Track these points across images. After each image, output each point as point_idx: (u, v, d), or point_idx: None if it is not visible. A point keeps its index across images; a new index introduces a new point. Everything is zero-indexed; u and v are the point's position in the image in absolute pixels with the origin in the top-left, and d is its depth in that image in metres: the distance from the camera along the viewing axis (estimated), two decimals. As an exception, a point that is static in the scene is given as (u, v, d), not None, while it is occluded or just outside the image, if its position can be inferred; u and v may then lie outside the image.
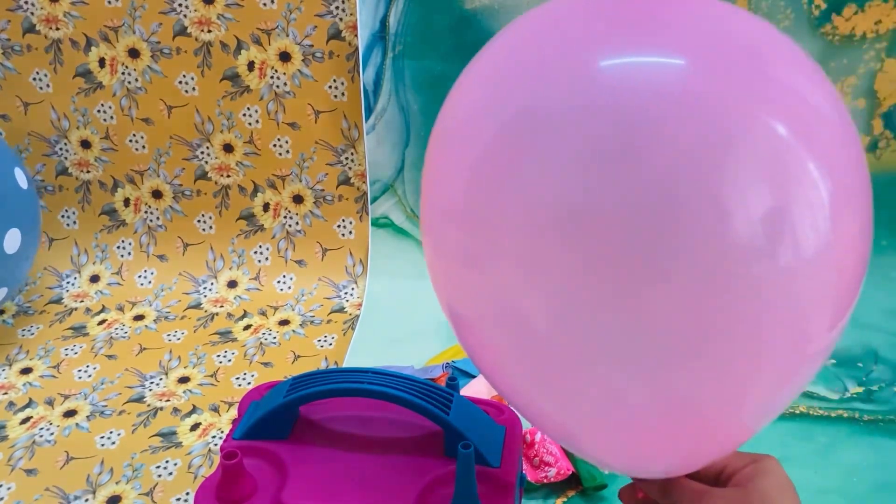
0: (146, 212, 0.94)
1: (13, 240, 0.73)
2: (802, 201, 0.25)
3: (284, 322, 0.85)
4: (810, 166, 0.25)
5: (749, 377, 0.28)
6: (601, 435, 0.33)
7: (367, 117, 0.86)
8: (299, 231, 0.93)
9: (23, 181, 0.76)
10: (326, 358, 0.79)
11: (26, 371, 0.77)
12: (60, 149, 0.91)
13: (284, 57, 0.86)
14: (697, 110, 0.25)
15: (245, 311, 0.88)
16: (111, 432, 0.68)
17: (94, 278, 0.92)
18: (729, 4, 0.29)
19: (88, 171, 0.93)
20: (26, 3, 0.85)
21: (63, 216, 0.94)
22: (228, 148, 0.91)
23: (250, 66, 0.87)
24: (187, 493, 0.61)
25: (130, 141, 0.91)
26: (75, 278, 0.92)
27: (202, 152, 0.91)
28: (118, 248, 0.94)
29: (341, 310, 0.87)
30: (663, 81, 0.26)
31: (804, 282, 0.26)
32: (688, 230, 0.25)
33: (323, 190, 0.92)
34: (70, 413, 0.71)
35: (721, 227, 0.25)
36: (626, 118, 0.26)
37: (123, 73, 0.88)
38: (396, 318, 0.82)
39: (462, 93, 0.33)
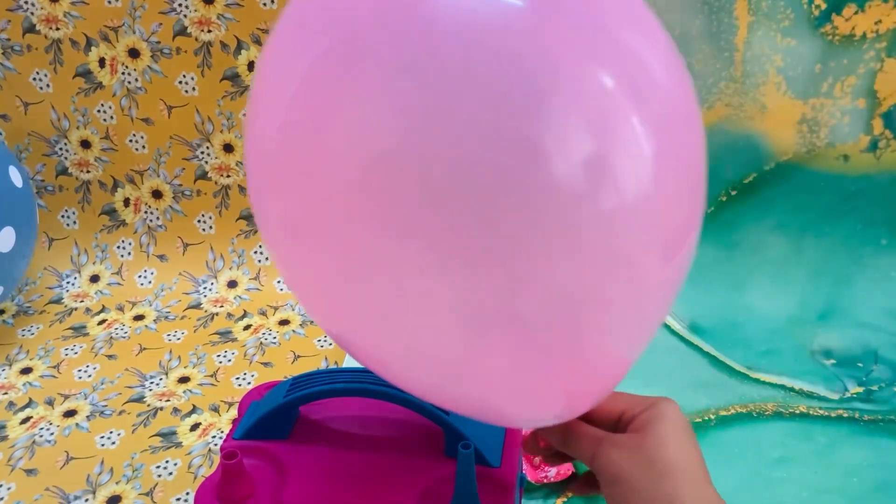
0: (146, 212, 0.94)
1: (7, 238, 0.73)
2: (623, 152, 0.26)
3: (284, 322, 0.85)
4: (634, 120, 0.26)
5: (593, 309, 0.29)
6: (477, 388, 0.32)
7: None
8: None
9: (17, 179, 0.76)
10: (326, 358, 0.79)
11: (26, 371, 0.77)
12: (60, 149, 0.91)
13: (284, 57, 0.86)
14: (524, 53, 0.25)
15: (245, 311, 0.88)
16: (111, 432, 0.68)
17: (94, 278, 0.92)
18: None
19: (88, 171, 0.93)
20: (26, 3, 0.85)
21: (63, 216, 0.94)
22: (228, 148, 0.91)
23: (250, 66, 0.87)
24: (187, 493, 0.61)
25: (130, 141, 0.91)
26: (75, 278, 0.92)
27: (202, 152, 0.91)
28: (118, 248, 0.94)
29: (341, 310, 0.87)
30: (492, 21, 0.26)
31: (627, 224, 0.27)
32: (508, 173, 0.25)
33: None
34: (70, 413, 0.71)
35: (541, 171, 0.25)
36: (445, 55, 0.25)
37: (123, 73, 0.88)
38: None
39: (280, 29, 0.31)
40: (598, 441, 0.35)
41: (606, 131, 0.26)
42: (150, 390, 0.74)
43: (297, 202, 0.30)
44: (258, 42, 0.86)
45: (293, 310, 0.87)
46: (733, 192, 0.85)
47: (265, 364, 0.78)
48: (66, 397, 0.73)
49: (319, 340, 0.82)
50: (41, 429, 0.69)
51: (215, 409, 0.71)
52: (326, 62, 0.28)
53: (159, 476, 0.63)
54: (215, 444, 0.66)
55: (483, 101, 0.25)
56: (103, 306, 0.88)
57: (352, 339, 0.34)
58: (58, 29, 0.86)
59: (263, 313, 0.87)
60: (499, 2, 0.26)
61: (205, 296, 0.90)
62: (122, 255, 0.94)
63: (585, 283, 0.28)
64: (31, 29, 0.86)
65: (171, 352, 0.80)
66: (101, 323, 0.86)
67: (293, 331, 0.84)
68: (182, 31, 0.86)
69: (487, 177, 0.25)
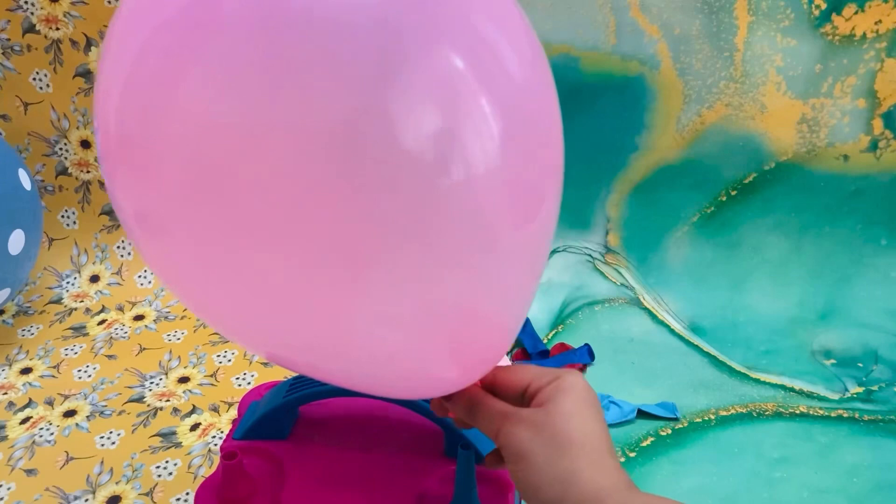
0: (146, 212, 0.93)
1: (17, 241, 0.73)
2: (471, 128, 0.27)
3: (284, 322, 0.85)
4: (482, 99, 0.27)
5: (457, 273, 0.30)
6: (366, 365, 0.33)
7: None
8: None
9: (26, 182, 0.76)
10: (326, 358, 0.79)
11: (26, 371, 0.77)
12: (60, 149, 0.91)
13: (284, 57, 0.86)
14: (380, 31, 0.26)
15: (245, 311, 0.88)
16: (111, 432, 0.68)
17: (94, 278, 0.92)
18: None
19: (88, 172, 0.93)
20: (26, 3, 0.85)
21: (63, 216, 0.94)
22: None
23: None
24: (187, 493, 0.61)
25: (130, 141, 0.91)
26: (75, 278, 0.92)
27: (202, 152, 0.91)
28: (118, 248, 0.94)
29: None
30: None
31: (478, 193, 0.28)
32: (364, 146, 0.26)
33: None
34: (70, 413, 0.71)
35: (395, 144, 0.26)
36: (300, 30, 0.25)
37: (123, 73, 0.88)
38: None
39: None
40: (504, 417, 0.35)
41: (454, 107, 0.27)
42: (150, 390, 0.74)
43: (144, 195, 0.29)
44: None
45: (293, 310, 0.87)
46: (733, 192, 0.85)
47: (265, 364, 0.78)
48: (66, 397, 0.73)
49: (319, 340, 0.82)
50: (41, 429, 0.69)
51: (215, 409, 0.71)
52: (166, 33, 0.27)
53: (159, 476, 0.63)
54: (215, 444, 0.66)
55: (333, 72, 0.25)
56: (103, 306, 0.88)
57: (234, 334, 0.34)
58: (58, 29, 0.86)
59: (263, 313, 0.87)
60: None
61: (205, 296, 0.90)
62: (122, 255, 0.94)
63: (446, 248, 0.29)
64: (31, 29, 0.86)
65: (171, 352, 0.80)
66: (101, 323, 0.86)
67: (293, 331, 0.83)
68: (182, 31, 0.86)
69: (341, 147, 0.26)
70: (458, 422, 0.39)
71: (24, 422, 0.70)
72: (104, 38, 0.31)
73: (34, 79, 0.88)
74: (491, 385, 0.37)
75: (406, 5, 0.26)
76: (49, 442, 0.67)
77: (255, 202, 0.27)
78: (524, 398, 0.36)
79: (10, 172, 0.74)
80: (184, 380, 0.75)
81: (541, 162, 0.31)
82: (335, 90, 0.25)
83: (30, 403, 0.72)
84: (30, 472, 0.64)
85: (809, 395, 0.71)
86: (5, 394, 0.73)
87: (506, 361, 0.63)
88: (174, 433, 0.68)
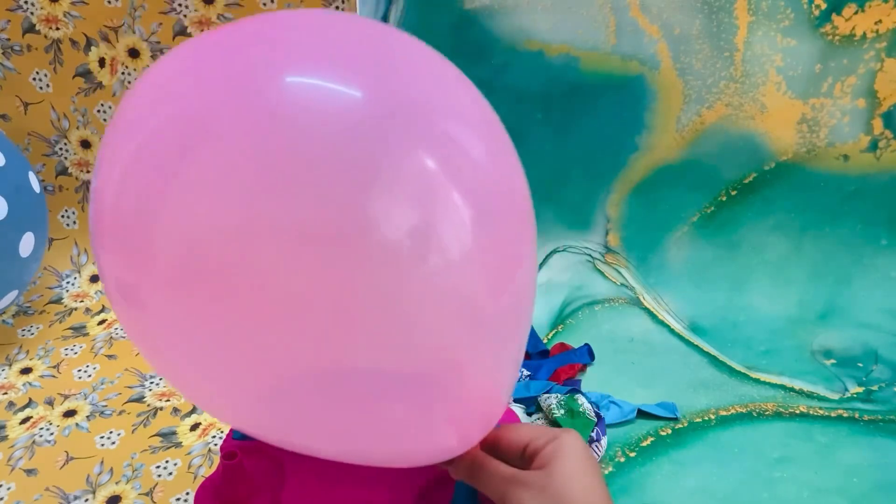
0: (146, 212, 0.93)
1: (27, 243, 0.73)
2: (445, 220, 0.30)
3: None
4: (454, 194, 0.30)
5: (444, 348, 0.31)
6: (365, 441, 0.34)
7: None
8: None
9: (36, 185, 0.76)
10: (326, 358, 0.79)
11: (26, 371, 0.77)
12: (60, 149, 0.91)
13: (284, 57, 0.86)
14: (360, 139, 0.28)
15: (245, 311, 0.88)
16: (111, 432, 0.68)
17: (94, 278, 0.92)
18: (421, 45, 0.34)
19: (88, 172, 0.93)
20: (26, 3, 0.85)
21: (63, 216, 0.94)
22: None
23: (250, 66, 0.87)
24: (187, 493, 0.61)
25: (130, 141, 0.91)
26: (75, 278, 0.92)
27: (202, 152, 0.91)
28: (118, 248, 0.94)
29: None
30: (335, 107, 0.28)
31: (455, 275, 0.30)
32: (342, 240, 0.28)
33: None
34: (70, 413, 0.71)
35: (372, 237, 0.28)
36: (293, 135, 0.28)
37: (123, 73, 0.88)
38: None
39: (129, 98, 0.32)
40: (508, 481, 0.37)
41: (429, 202, 0.29)
42: (150, 390, 0.74)
43: (130, 271, 0.31)
44: (258, 42, 0.86)
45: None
46: (733, 192, 0.85)
47: (265, 364, 0.78)
48: (66, 397, 0.73)
49: (319, 340, 0.82)
50: (41, 429, 0.69)
51: (215, 409, 0.71)
52: (165, 137, 0.29)
53: (159, 476, 0.63)
54: (215, 444, 0.66)
55: (320, 179, 0.27)
56: (103, 306, 0.88)
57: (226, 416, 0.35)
58: (58, 29, 0.86)
59: (263, 313, 0.87)
60: (338, 92, 0.29)
61: (205, 296, 0.90)
62: (122, 255, 0.94)
63: (432, 329, 0.31)
64: (31, 29, 0.86)
65: (171, 352, 0.80)
66: (101, 323, 0.86)
67: (293, 331, 0.83)
68: (182, 31, 0.86)
69: (324, 245, 0.28)
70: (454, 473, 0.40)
71: (24, 422, 0.70)
72: (119, 106, 0.32)
73: (34, 79, 0.88)
74: (491, 446, 0.39)
75: (379, 113, 0.29)
76: (49, 442, 0.67)
77: (243, 293, 0.28)
78: (524, 458, 0.38)
79: (21, 176, 0.74)
80: (184, 380, 0.76)
81: (513, 233, 0.34)
82: (319, 194, 0.27)
83: (30, 403, 0.72)
84: (30, 471, 0.64)
85: (809, 395, 0.71)
86: (5, 394, 0.73)
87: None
88: (174, 433, 0.68)
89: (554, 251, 0.89)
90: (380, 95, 0.29)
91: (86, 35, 0.86)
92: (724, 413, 0.69)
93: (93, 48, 0.87)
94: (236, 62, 0.29)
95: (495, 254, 0.32)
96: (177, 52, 0.32)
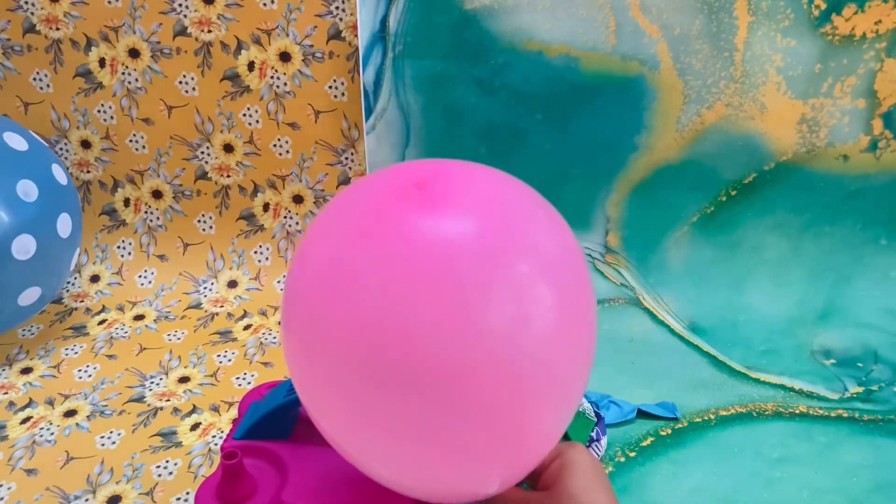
0: (146, 212, 0.94)
1: (65, 224, 0.74)
2: (537, 313, 0.34)
3: (284, 322, 0.85)
4: (545, 291, 0.35)
5: (519, 417, 0.35)
6: (434, 485, 0.38)
7: (368, 117, 0.86)
8: (299, 231, 0.93)
9: (62, 177, 0.76)
10: (326, 358, 0.79)
11: (26, 371, 0.77)
12: (60, 149, 0.91)
13: (284, 57, 0.86)
14: (470, 257, 0.33)
15: (245, 310, 0.88)
16: (111, 432, 0.68)
17: (94, 278, 0.92)
18: (513, 180, 0.39)
19: (88, 171, 0.93)
20: (26, 3, 0.85)
21: (63, 216, 0.94)
22: (229, 148, 0.91)
23: (250, 66, 0.87)
24: (187, 493, 0.61)
25: (130, 141, 0.91)
26: (75, 278, 0.92)
27: (202, 152, 0.91)
28: (118, 248, 0.94)
29: (341, 310, 0.87)
30: (451, 238, 0.34)
31: (544, 350, 0.34)
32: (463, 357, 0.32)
33: (323, 190, 0.92)
34: (70, 413, 0.71)
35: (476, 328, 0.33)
36: (414, 282, 0.33)
37: (123, 73, 0.88)
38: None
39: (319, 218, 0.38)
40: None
41: (527, 301, 0.34)
42: (150, 390, 0.74)
43: (304, 369, 0.37)
44: (258, 42, 0.86)
45: (293, 310, 0.87)
46: (733, 192, 0.85)
47: (265, 364, 0.78)
48: (66, 397, 0.73)
49: (319, 340, 0.82)
50: (41, 429, 0.69)
51: (215, 409, 0.71)
52: (326, 273, 0.35)
53: (159, 476, 0.63)
54: (215, 444, 0.66)
55: (443, 303, 0.33)
56: (103, 306, 0.89)
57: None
58: (58, 29, 0.86)
59: (264, 313, 0.87)
60: (450, 237, 0.34)
61: (205, 296, 0.90)
62: (122, 255, 0.94)
63: (525, 406, 0.34)
64: (31, 29, 0.86)
65: (171, 352, 0.80)
66: (101, 323, 0.86)
67: (293, 331, 0.83)
68: (182, 31, 0.86)
69: (449, 362, 0.32)
70: None
71: (24, 421, 0.70)
72: (312, 220, 0.39)
73: (34, 79, 0.88)
74: None
75: (491, 247, 0.34)
76: (49, 442, 0.67)
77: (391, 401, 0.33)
78: (531, 476, 0.38)
79: (45, 168, 0.75)
80: (184, 379, 0.76)
81: (583, 316, 0.38)
82: (443, 318, 0.33)
83: (30, 403, 0.72)
84: (30, 471, 0.64)
85: (809, 395, 0.71)
86: (5, 394, 0.74)
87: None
88: (174, 433, 0.68)
89: (554, 251, 0.89)
90: (487, 223, 0.35)
91: (86, 35, 0.86)
92: (723, 413, 0.69)
93: (93, 48, 0.87)
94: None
95: (572, 335, 0.36)
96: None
